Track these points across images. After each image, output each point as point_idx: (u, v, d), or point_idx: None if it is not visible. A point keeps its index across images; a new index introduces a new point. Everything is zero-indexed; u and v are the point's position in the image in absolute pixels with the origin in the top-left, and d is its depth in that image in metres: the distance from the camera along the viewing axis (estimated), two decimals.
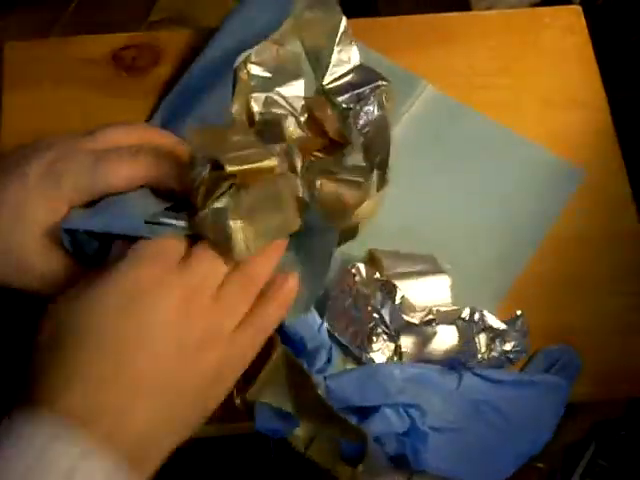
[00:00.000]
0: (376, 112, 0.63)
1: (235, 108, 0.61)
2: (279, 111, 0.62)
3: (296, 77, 0.64)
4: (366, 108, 0.63)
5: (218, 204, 0.46)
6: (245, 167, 0.46)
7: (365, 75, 0.65)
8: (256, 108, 0.62)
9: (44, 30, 0.98)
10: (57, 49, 0.71)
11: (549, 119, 0.69)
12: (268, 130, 0.59)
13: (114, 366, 0.42)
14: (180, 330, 0.44)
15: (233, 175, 0.46)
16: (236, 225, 0.46)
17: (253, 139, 0.50)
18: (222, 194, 0.46)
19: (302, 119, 0.63)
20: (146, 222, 0.47)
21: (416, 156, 0.66)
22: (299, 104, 0.63)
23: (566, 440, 0.80)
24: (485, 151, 0.67)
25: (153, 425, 0.42)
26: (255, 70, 0.63)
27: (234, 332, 0.46)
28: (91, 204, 0.49)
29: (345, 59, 0.66)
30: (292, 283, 0.48)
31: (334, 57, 0.66)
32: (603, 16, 1.13)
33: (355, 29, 0.72)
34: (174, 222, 0.48)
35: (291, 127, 0.62)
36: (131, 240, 0.46)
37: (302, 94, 0.64)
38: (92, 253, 0.49)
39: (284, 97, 0.63)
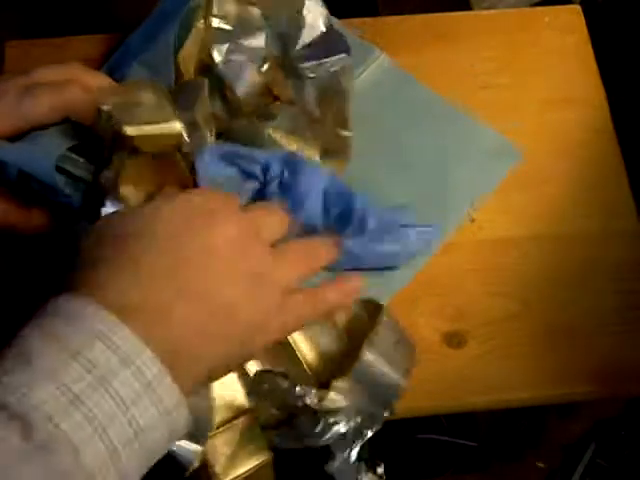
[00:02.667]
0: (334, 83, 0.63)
1: (183, 56, 0.61)
2: (240, 58, 0.62)
3: (258, 30, 0.64)
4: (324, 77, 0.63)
5: (108, 173, 0.47)
6: (145, 130, 0.46)
7: (330, 45, 0.64)
8: (218, 58, 0.62)
9: (44, 30, 0.98)
10: (56, 49, 0.71)
11: (549, 119, 0.69)
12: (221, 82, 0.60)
13: (164, 266, 0.42)
14: (234, 253, 0.44)
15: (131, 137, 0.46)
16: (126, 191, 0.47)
17: (166, 103, 0.49)
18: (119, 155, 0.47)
19: (263, 69, 0.63)
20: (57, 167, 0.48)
21: (359, 124, 0.65)
22: (261, 54, 0.63)
23: (566, 440, 0.80)
24: (425, 123, 0.68)
25: (189, 330, 0.41)
26: (216, 23, 0.63)
27: (285, 292, 0.46)
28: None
29: (311, 22, 0.65)
30: (358, 282, 0.49)
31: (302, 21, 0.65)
32: (603, 16, 1.13)
33: (355, 29, 0.73)
34: (78, 172, 0.49)
35: (250, 76, 0.62)
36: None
37: (263, 46, 0.63)
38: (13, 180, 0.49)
39: (246, 47, 0.63)
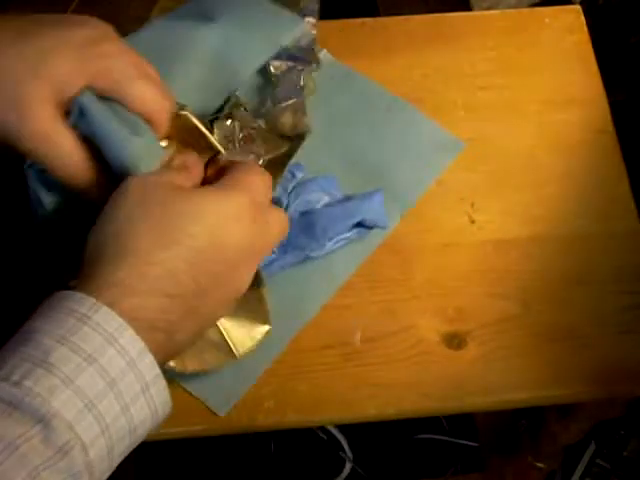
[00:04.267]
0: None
1: None
2: None
3: None
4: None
5: None
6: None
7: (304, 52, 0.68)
8: None
9: None
10: None
11: (549, 119, 0.69)
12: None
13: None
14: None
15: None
16: None
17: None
18: None
19: None
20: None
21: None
22: None
23: (566, 440, 0.80)
24: (369, 117, 0.68)
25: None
26: None
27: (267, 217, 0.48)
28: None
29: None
30: None
31: None
32: (603, 16, 1.13)
33: (355, 29, 0.73)
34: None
35: None
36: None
37: None
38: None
39: None
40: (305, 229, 0.61)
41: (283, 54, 0.66)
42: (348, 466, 1.12)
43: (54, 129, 0.47)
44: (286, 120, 0.64)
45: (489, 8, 1.08)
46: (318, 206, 0.63)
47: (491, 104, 0.70)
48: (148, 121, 0.49)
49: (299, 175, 0.63)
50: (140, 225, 0.44)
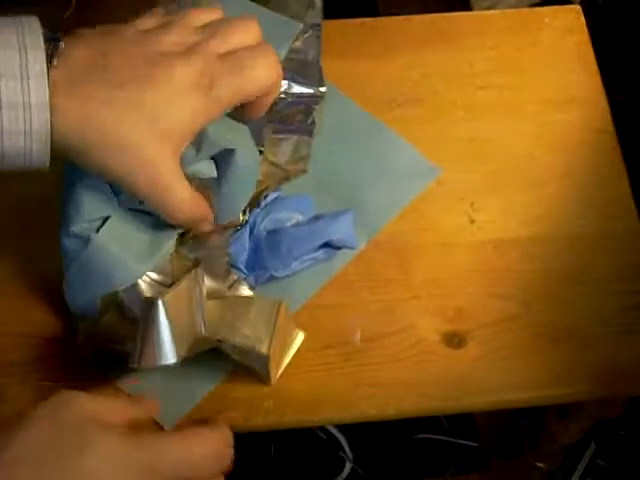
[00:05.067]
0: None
1: None
2: None
3: None
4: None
5: None
6: None
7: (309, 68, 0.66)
8: None
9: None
10: None
11: (549, 119, 0.69)
12: None
13: None
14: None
15: None
16: None
17: None
18: None
19: None
20: None
21: None
22: None
23: (566, 440, 0.80)
24: (348, 138, 0.68)
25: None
26: None
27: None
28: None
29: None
30: None
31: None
32: (603, 16, 1.13)
33: (355, 29, 0.73)
34: None
35: None
36: None
37: None
38: None
39: None
40: (271, 248, 0.60)
41: (287, 71, 0.64)
42: (348, 466, 1.12)
43: (175, 183, 0.50)
44: (285, 152, 0.63)
45: (489, 8, 1.08)
46: (287, 225, 0.61)
47: (491, 104, 0.70)
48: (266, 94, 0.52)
49: (274, 195, 0.62)
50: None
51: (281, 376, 0.58)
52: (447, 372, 0.59)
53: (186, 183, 0.51)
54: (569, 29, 0.74)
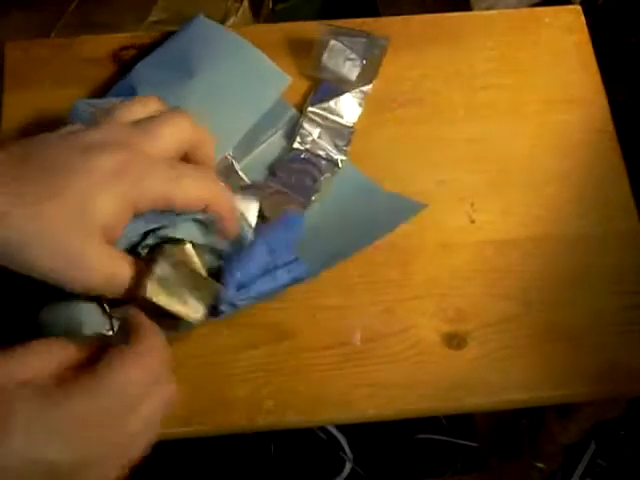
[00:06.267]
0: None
1: None
2: None
3: None
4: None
5: None
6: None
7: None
8: None
9: (44, 30, 0.98)
10: (57, 49, 0.71)
11: (549, 119, 0.69)
12: None
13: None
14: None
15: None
16: None
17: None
18: None
19: None
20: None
21: None
22: None
23: (566, 440, 0.80)
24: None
25: None
26: None
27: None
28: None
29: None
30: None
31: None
32: (603, 16, 1.13)
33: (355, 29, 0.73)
34: None
35: None
36: None
37: None
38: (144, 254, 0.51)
39: None
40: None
41: (320, 126, 0.65)
42: (348, 466, 1.13)
43: (115, 268, 0.48)
44: (271, 209, 0.62)
45: (489, 8, 1.08)
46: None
47: (491, 104, 0.70)
48: (209, 210, 0.51)
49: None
50: None
51: (281, 376, 0.58)
52: (447, 372, 0.59)
53: (128, 264, 0.49)
54: (569, 29, 0.74)
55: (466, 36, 0.73)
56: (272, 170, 0.65)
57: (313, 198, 0.63)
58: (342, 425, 1.11)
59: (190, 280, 0.52)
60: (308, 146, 0.65)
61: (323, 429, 1.13)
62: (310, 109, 0.67)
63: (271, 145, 0.66)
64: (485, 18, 0.75)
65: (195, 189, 0.50)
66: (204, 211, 0.52)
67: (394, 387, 0.58)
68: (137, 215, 0.49)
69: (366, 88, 0.68)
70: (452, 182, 0.66)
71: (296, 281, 0.57)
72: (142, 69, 0.66)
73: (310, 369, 0.59)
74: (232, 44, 0.68)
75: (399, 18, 0.74)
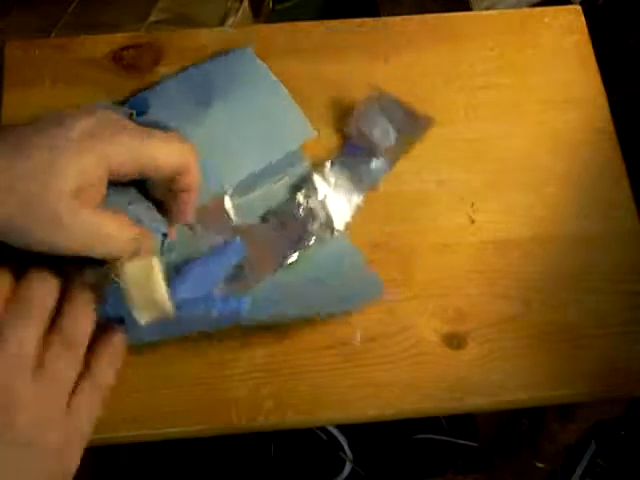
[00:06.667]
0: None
1: None
2: None
3: None
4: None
5: None
6: None
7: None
8: None
9: (44, 30, 0.98)
10: (57, 49, 0.71)
11: (549, 119, 0.69)
12: None
13: None
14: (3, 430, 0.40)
15: None
16: None
17: None
18: None
19: None
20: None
21: None
22: None
23: (566, 440, 0.80)
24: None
25: None
26: None
27: (69, 403, 0.43)
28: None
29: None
30: (120, 336, 0.47)
31: None
32: (603, 16, 1.13)
33: (355, 29, 0.73)
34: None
35: None
36: None
37: None
38: None
39: None
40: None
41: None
42: (348, 466, 1.13)
43: (101, 221, 0.47)
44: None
45: (489, 8, 1.08)
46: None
47: (491, 104, 0.70)
48: (178, 179, 0.50)
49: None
50: None
51: (282, 376, 0.58)
52: (447, 372, 0.59)
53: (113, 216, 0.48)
54: (569, 29, 0.74)
55: (466, 36, 0.73)
56: (265, 216, 0.62)
57: (294, 256, 0.61)
58: (342, 425, 1.11)
59: (153, 287, 0.51)
60: (311, 204, 0.63)
61: (323, 429, 1.13)
62: (328, 166, 0.64)
63: (273, 191, 0.64)
64: (485, 18, 0.75)
65: (166, 151, 0.49)
66: (173, 181, 0.50)
67: (394, 387, 0.58)
68: (113, 179, 0.48)
69: (390, 165, 0.65)
70: (452, 182, 0.66)
71: (233, 313, 0.56)
72: (167, 85, 0.66)
73: (310, 369, 0.59)
74: (266, 83, 0.67)
75: (399, 18, 0.74)
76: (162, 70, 0.69)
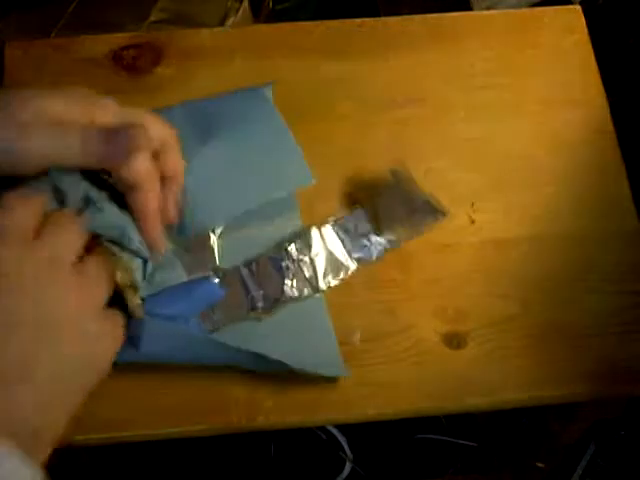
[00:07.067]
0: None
1: None
2: None
3: None
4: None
5: None
6: None
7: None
8: None
9: (44, 30, 0.98)
10: (57, 49, 0.71)
11: (549, 119, 0.69)
12: None
13: None
14: (47, 306, 0.42)
15: None
16: None
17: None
18: None
19: None
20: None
21: None
22: None
23: (566, 440, 0.80)
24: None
25: (41, 407, 0.41)
26: None
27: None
28: None
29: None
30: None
31: None
32: (603, 16, 1.13)
33: (355, 29, 0.73)
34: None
35: None
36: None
37: None
38: None
39: None
40: None
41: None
42: (348, 466, 1.12)
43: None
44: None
45: (489, 8, 1.08)
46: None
47: (491, 104, 0.70)
48: (164, 148, 0.50)
49: None
50: None
51: (282, 376, 0.58)
52: (447, 372, 0.59)
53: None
54: (569, 29, 0.74)
55: (466, 36, 0.73)
56: (248, 261, 0.61)
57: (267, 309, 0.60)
58: (342, 425, 1.11)
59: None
60: (303, 257, 0.61)
61: (323, 429, 1.13)
62: (329, 226, 0.63)
63: (261, 236, 0.62)
64: (485, 18, 0.75)
65: (152, 119, 0.50)
66: (158, 160, 0.50)
67: (394, 387, 0.58)
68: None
69: (392, 245, 0.63)
70: (452, 182, 0.66)
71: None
72: (173, 111, 0.64)
73: None
74: (273, 125, 0.64)
75: (399, 18, 0.74)
76: (162, 70, 0.69)
